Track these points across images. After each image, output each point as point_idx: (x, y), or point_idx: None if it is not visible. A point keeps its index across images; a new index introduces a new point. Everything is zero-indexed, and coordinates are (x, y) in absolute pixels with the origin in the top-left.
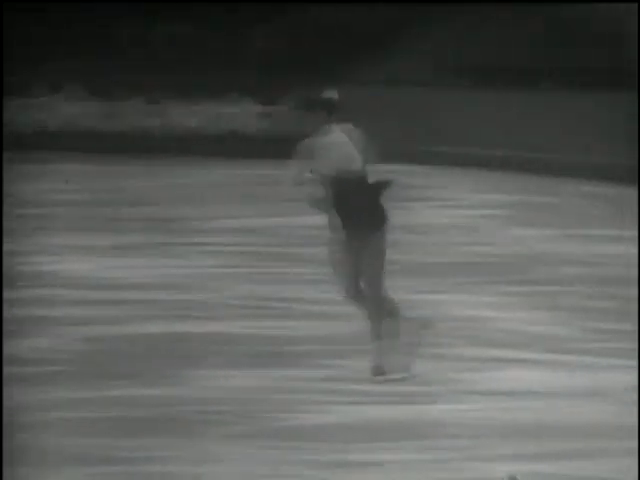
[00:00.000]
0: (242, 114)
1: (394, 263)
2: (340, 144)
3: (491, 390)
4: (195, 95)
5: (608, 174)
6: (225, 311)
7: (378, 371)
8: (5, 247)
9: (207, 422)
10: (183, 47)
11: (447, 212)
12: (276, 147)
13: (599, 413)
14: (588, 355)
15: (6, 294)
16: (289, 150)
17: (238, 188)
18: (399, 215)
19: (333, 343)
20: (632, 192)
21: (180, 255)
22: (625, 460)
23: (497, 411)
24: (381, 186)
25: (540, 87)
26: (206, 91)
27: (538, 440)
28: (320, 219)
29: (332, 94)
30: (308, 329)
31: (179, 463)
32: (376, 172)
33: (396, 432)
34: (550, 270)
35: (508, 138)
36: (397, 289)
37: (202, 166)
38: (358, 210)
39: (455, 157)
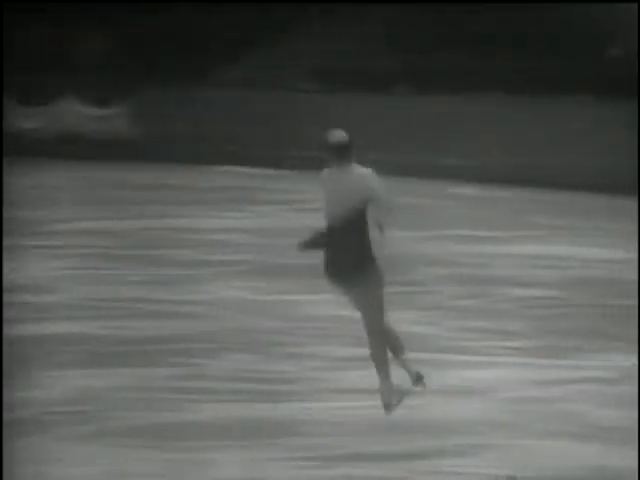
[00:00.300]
0: (80, 116)
1: (252, 263)
2: (343, 189)
3: (360, 388)
4: (32, 97)
5: (475, 175)
6: (74, 312)
7: (390, 408)
8: None
9: (59, 422)
10: (21, 48)
11: (310, 215)
12: (114, 150)
13: (468, 410)
14: (455, 353)
15: None
16: (127, 152)
17: (79, 191)
18: (260, 219)
19: (184, 342)
20: (505, 193)
21: (23, 257)
22: (496, 455)
23: (367, 409)
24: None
25: (396, 91)
26: (43, 93)
27: (409, 437)
28: (166, 222)
29: (340, 137)
30: (159, 329)
31: (31, 464)
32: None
33: (257, 429)
34: (418, 270)
35: (372, 141)
36: (263, 291)
37: (41, 168)
38: (344, 252)
39: (318, 160)
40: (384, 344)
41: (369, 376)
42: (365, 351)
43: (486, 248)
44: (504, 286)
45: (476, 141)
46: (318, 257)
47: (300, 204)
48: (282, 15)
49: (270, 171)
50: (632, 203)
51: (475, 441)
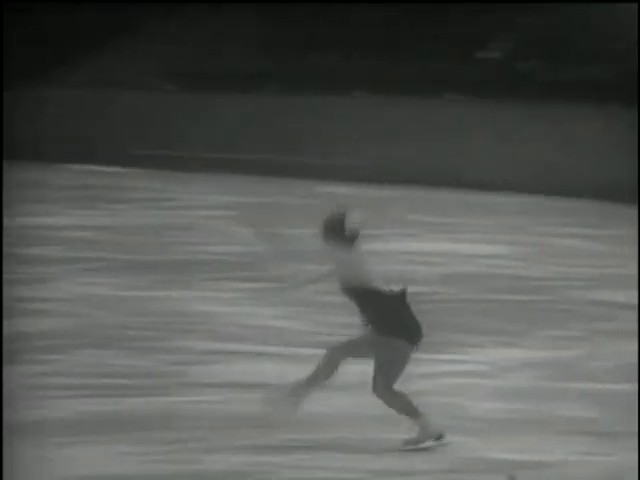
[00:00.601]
0: None
1: (108, 260)
2: (361, 261)
3: (224, 382)
4: None
5: (344, 175)
6: None
7: (440, 437)
8: None
9: None
10: None
11: (168, 213)
12: None
13: (336, 405)
14: (322, 348)
15: None
16: None
17: None
18: (115, 217)
19: (40, 339)
20: (378, 192)
21: None
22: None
23: (231, 403)
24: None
25: (264, 91)
26: None
27: (273, 431)
28: (21, 220)
29: (357, 221)
30: (15, 326)
31: None
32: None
33: (123, 424)
34: (282, 267)
35: (244, 141)
36: (121, 287)
37: None
38: (385, 318)
39: (173, 159)
40: (397, 397)
41: (229, 371)
42: (233, 345)
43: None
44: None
45: (348, 141)
46: (170, 254)
47: (154, 202)
48: (150, 13)
49: (125, 169)
50: (505, 199)
51: (346, 435)
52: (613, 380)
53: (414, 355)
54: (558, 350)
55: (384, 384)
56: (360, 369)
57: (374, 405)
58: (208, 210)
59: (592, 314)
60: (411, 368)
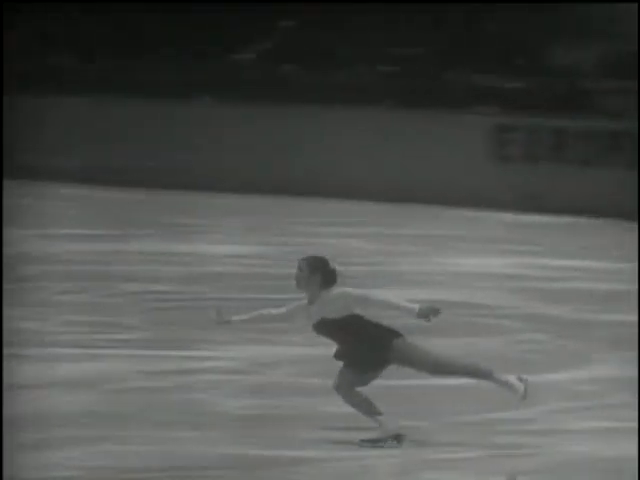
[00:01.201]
0: None
1: None
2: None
3: None
4: None
5: (85, 176)
6: None
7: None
8: None
9: None
10: None
11: None
12: None
13: (75, 402)
14: (62, 347)
15: None
16: None
17: None
18: None
19: None
20: (122, 195)
21: None
22: (105, 446)
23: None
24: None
25: (30, 92)
26: None
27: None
28: None
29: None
30: None
31: None
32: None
33: None
34: (26, 267)
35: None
36: None
37: None
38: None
39: None
40: (358, 396)
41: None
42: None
43: (101, 246)
44: (119, 282)
45: (92, 143)
46: None
47: None
48: None
49: None
50: (263, 201)
51: (80, 433)
52: None
53: (155, 352)
54: (318, 347)
55: (353, 383)
56: (92, 368)
57: (112, 402)
58: None
59: None
60: (151, 365)
